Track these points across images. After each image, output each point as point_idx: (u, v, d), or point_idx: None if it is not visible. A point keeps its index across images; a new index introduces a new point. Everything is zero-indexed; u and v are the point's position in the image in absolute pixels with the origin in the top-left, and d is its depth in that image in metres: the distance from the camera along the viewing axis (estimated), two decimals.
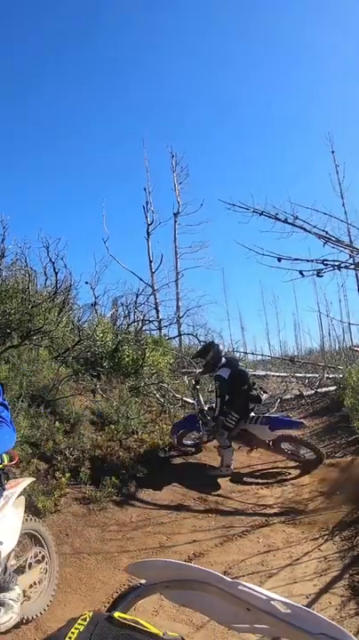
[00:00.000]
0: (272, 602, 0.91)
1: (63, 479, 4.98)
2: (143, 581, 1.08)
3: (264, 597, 0.93)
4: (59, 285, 9.47)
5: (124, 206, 27.81)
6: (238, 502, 5.48)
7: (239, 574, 3.75)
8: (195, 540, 4.46)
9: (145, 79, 30.18)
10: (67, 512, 4.80)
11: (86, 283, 11.97)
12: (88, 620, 0.82)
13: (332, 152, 15.73)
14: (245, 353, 16.96)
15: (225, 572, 3.77)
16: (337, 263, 5.86)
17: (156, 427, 7.07)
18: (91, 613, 0.84)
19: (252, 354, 17.51)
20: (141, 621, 0.85)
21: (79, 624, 0.80)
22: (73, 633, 0.78)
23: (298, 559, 3.99)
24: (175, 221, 16.31)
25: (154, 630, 0.83)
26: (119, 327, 10.29)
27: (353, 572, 3.67)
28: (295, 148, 31.96)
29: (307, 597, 3.38)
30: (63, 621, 0.87)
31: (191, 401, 9.13)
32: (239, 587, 0.95)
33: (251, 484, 6.07)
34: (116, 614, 0.84)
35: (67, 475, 5.11)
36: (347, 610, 3.18)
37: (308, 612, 0.87)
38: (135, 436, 6.55)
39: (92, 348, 8.88)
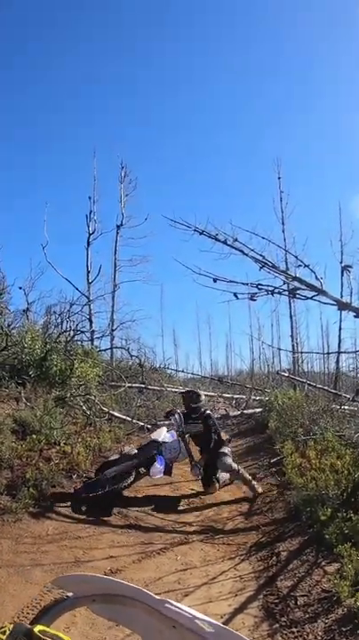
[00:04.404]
0: (196, 620, 0.92)
1: None
2: (70, 594, 1.05)
3: (189, 615, 0.93)
4: None
5: (67, 213, 27.47)
6: (158, 519, 5.42)
7: (155, 592, 3.64)
8: (112, 556, 4.34)
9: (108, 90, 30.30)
10: None
11: (20, 288, 11.68)
12: (7, 633, 0.78)
13: (279, 178, 16.14)
14: (176, 370, 17.05)
15: None
16: (271, 288, 5.94)
17: (79, 438, 6.90)
18: (12, 626, 0.80)
19: (183, 371, 17.59)
20: (62, 636, 0.82)
21: None
22: None
23: (214, 578, 3.98)
24: (117, 233, 16.15)
25: None
26: (49, 335, 10.04)
27: (267, 592, 3.69)
28: (243, 170, 32.99)
29: (222, 617, 3.35)
30: None
31: (118, 414, 9.04)
32: (166, 604, 0.95)
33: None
34: (37, 628, 0.81)
35: None
36: (260, 631, 3.18)
37: (230, 631, 0.90)
38: (57, 448, 6.36)
39: (20, 355, 8.62)
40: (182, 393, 7.62)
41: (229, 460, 6.25)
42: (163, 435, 6.30)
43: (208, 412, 6.69)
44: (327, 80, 30.31)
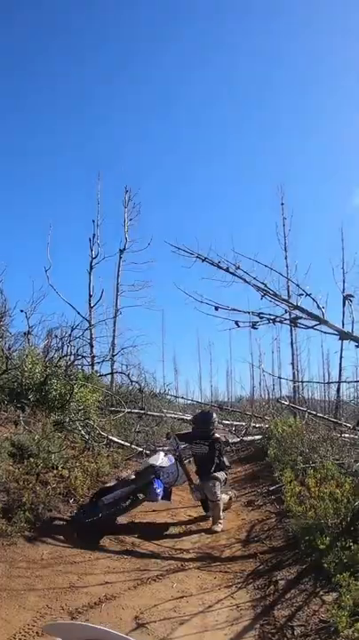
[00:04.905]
0: None
1: None
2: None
3: None
4: None
5: (69, 236, 27.64)
6: (155, 545, 5.35)
7: (151, 620, 3.61)
8: (107, 582, 4.27)
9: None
10: None
11: (21, 311, 11.72)
12: None
13: (282, 204, 16.26)
14: (176, 396, 16.96)
15: (136, 617, 3.64)
16: (272, 317, 5.91)
17: (77, 463, 6.85)
18: None
19: (183, 398, 17.50)
20: None
21: None
22: None
23: (210, 606, 3.90)
24: (120, 257, 16.10)
25: None
26: (50, 359, 10.04)
27: (264, 622, 3.61)
28: (246, 195, 33.43)
29: None
30: None
31: (117, 440, 8.98)
32: None
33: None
34: None
35: None
36: None
37: None
38: (55, 472, 6.31)
39: (20, 378, 8.61)
40: (197, 414, 7.55)
41: (217, 488, 6.09)
42: (161, 459, 6.24)
43: (217, 435, 6.58)
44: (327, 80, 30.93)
